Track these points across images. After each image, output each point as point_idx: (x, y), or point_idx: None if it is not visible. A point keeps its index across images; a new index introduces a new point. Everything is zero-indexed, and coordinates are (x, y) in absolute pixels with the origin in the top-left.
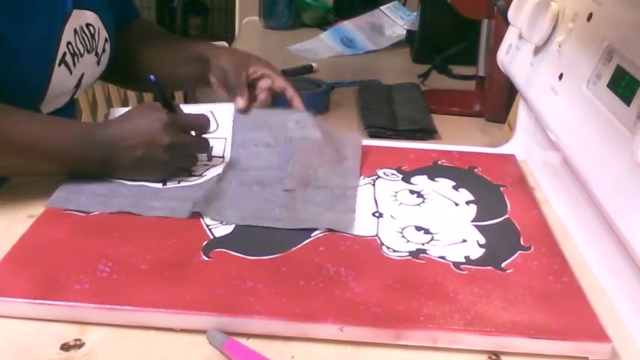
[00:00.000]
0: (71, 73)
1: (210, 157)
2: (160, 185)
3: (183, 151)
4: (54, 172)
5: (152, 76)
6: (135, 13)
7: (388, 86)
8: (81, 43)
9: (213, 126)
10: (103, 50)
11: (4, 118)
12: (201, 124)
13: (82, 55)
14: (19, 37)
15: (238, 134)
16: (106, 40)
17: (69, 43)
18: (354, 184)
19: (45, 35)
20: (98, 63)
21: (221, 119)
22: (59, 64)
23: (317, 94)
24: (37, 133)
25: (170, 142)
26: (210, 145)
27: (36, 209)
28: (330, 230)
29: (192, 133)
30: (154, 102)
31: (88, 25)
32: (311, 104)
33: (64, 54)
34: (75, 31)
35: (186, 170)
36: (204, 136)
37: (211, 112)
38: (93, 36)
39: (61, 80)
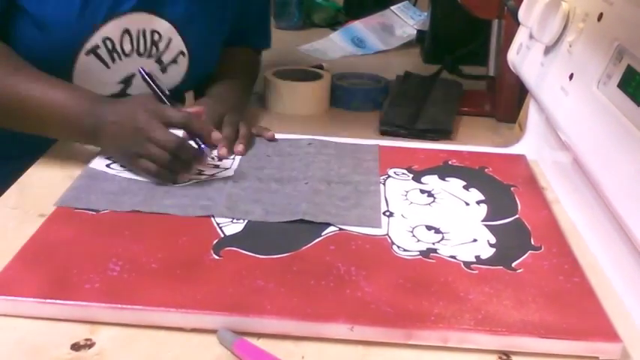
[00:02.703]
0: (108, 67)
1: (220, 158)
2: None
3: (150, 140)
4: (47, 133)
5: (142, 70)
6: (256, 45)
7: (432, 78)
8: (131, 45)
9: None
10: (174, 61)
11: (16, 73)
12: (186, 122)
13: (127, 55)
14: (44, 14)
15: (250, 150)
16: (181, 53)
17: (107, 38)
18: (376, 180)
19: (73, 23)
20: (163, 70)
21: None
22: (87, 54)
23: (374, 89)
24: (42, 93)
25: (140, 126)
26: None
27: (46, 208)
28: (341, 229)
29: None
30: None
31: (153, 31)
32: (368, 99)
33: (97, 46)
34: (126, 31)
35: (145, 160)
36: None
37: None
38: (155, 43)
39: (91, 70)
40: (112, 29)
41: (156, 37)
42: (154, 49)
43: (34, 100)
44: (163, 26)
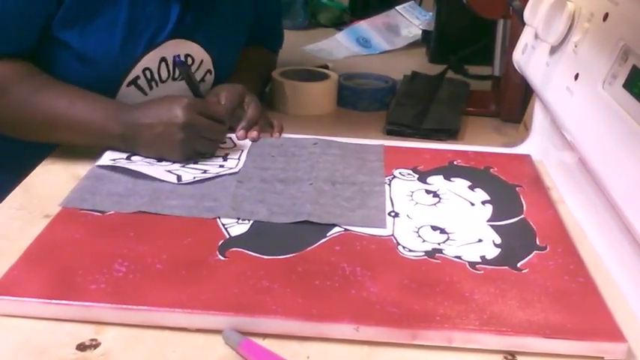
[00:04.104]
0: (145, 94)
1: (225, 158)
2: (175, 181)
3: (199, 133)
4: (82, 144)
5: (177, 58)
6: (272, 46)
7: (439, 78)
8: (168, 71)
9: (229, 144)
10: (202, 80)
11: (39, 91)
12: (219, 110)
13: (163, 82)
14: (86, 49)
15: (255, 149)
16: (209, 71)
17: (147, 69)
18: (381, 180)
19: (116, 57)
20: None
21: (239, 141)
22: (128, 85)
23: (382, 90)
24: (66, 107)
25: (185, 121)
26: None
27: (51, 209)
28: (346, 230)
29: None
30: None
31: (187, 55)
32: (375, 100)
33: (137, 77)
34: (163, 59)
35: (203, 155)
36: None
37: (230, 137)
38: (189, 66)
39: (130, 99)
40: (150, 59)
41: (189, 60)
42: None
43: (61, 117)
44: (195, 49)
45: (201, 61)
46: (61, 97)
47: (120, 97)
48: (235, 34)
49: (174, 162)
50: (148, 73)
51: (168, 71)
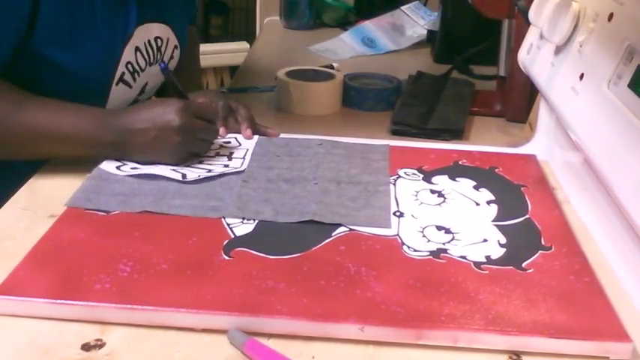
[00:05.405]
0: (131, 88)
1: (230, 157)
2: (179, 177)
3: (194, 135)
4: (72, 155)
5: (163, 65)
6: (192, 21)
7: (444, 78)
8: (144, 58)
9: (234, 143)
10: (171, 57)
11: (20, 106)
12: (211, 111)
13: (143, 70)
14: (74, 63)
15: (260, 149)
16: (175, 47)
17: (128, 62)
18: (386, 180)
19: (102, 61)
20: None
21: (244, 141)
22: (117, 84)
23: (387, 90)
24: (51, 119)
25: (181, 124)
26: (230, 145)
27: (57, 209)
28: (351, 229)
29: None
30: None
31: (156, 38)
32: (380, 100)
33: (123, 74)
34: (137, 49)
35: (197, 155)
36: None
37: (235, 137)
38: (159, 48)
39: (120, 95)
40: (128, 52)
41: (159, 42)
42: (159, 54)
43: (45, 129)
44: (161, 29)
45: (168, 39)
46: (44, 109)
47: (111, 97)
48: (185, 3)
49: (167, 164)
50: (130, 66)
51: (144, 58)
